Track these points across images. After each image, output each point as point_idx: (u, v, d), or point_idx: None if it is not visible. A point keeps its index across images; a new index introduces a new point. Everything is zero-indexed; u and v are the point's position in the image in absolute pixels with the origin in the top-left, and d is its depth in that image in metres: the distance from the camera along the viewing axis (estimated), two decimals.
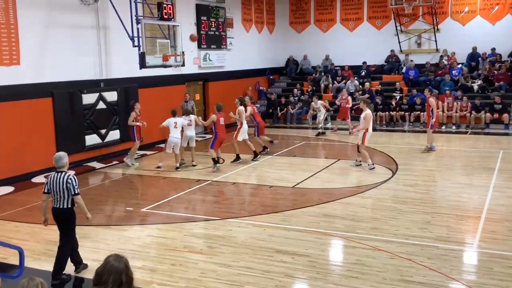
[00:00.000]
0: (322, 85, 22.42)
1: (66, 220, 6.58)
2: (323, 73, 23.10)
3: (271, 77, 24.12)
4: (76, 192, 6.48)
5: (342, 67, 22.92)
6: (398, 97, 20.07)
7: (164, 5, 14.23)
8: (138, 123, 13.48)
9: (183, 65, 15.50)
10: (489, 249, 7.29)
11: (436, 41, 21.91)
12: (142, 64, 13.66)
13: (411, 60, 21.91)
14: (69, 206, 6.53)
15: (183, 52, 15.07)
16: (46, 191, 6.58)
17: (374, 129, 18.95)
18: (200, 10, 18.85)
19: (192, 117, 13.69)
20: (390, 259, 7.01)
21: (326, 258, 7.36)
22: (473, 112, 18.43)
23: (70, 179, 6.45)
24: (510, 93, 19.22)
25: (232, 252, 7.43)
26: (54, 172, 6.59)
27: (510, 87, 19.48)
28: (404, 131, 18.72)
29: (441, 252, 7.20)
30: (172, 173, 12.71)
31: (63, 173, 6.50)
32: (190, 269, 6.88)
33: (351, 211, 9.24)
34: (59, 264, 6.56)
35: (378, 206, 9.52)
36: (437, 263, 6.80)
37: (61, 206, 6.51)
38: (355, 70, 22.62)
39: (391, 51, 22.54)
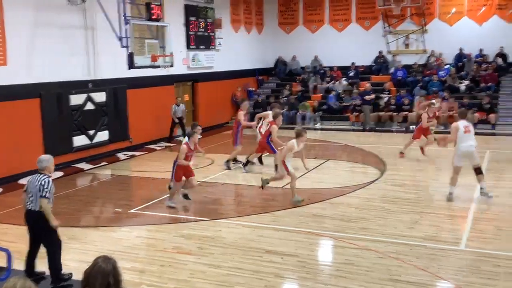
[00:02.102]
0: (311, 86, 22.49)
1: (36, 223, 6.39)
2: (312, 74, 23.17)
3: (260, 77, 24.14)
4: (44, 194, 6.25)
5: (331, 68, 23.00)
6: (386, 98, 20.19)
7: (153, 6, 14.19)
8: (186, 162, 9.55)
9: (172, 65, 15.46)
10: (477, 248, 7.35)
11: (423, 41, 22.07)
12: (131, 65, 13.62)
13: (399, 61, 22.06)
14: (38, 209, 6.33)
15: (171, 53, 15.03)
16: (25, 189, 6.56)
17: (364, 130, 19.13)
18: (189, 10, 18.80)
19: (196, 138, 9.91)
20: (379, 259, 7.04)
21: (315, 258, 7.38)
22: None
23: (44, 180, 6.31)
24: (497, 93, 19.40)
25: (222, 253, 7.42)
26: (37, 173, 6.54)
27: (497, 88, 19.67)
28: (392, 131, 18.81)
29: (430, 252, 7.25)
30: (161, 174, 12.65)
31: (41, 175, 6.41)
32: (179, 270, 6.86)
33: (340, 211, 9.27)
34: (53, 266, 6.49)
35: (367, 206, 9.56)
36: (425, 262, 6.85)
37: (32, 208, 6.37)
38: (343, 70, 22.71)
39: (380, 51, 22.65)
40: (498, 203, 9.50)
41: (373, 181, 11.39)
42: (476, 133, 15.74)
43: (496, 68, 20.23)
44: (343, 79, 22.13)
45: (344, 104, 20.60)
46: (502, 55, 20.63)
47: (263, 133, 12.55)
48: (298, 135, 9.83)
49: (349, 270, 6.70)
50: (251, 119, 15.57)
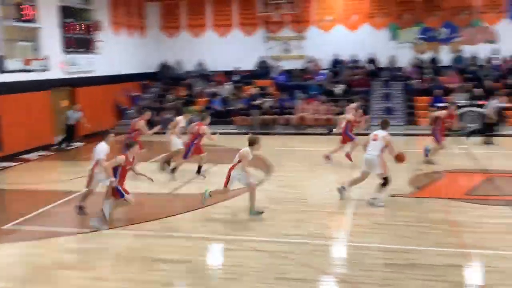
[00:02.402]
0: (196, 91, 22.47)
1: None
2: (196, 78, 23.16)
3: (144, 82, 23.61)
4: None
5: (216, 72, 23.19)
6: (268, 102, 20.75)
7: (24, 6, 13.29)
8: (109, 171, 8.49)
9: (47, 69, 14.56)
10: (358, 242, 7.80)
11: (302, 47, 23.06)
12: (1, 69, 12.62)
13: (281, 66, 22.87)
14: None
15: (46, 56, 14.18)
16: None
17: (246, 133, 19.46)
18: (65, 12, 17.85)
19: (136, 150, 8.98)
20: (267, 259, 7.19)
21: (206, 263, 7.36)
22: (337, 114, 19.66)
23: None
24: (368, 96, 20.80)
25: (109, 265, 7.12)
26: None
27: (369, 91, 21.08)
28: (275, 134, 19.36)
29: (315, 248, 7.55)
30: (37, 186, 11.83)
31: None
32: (61, 287, 6.45)
33: (229, 214, 9.35)
34: None
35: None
36: (311, 259, 7.12)
37: None
38: (228, 75, 23.01)
39: (262, 56, 23.26)
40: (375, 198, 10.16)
41: (259, 183, 11.63)
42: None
43: (367, 73, 21.74)
44: (228, 83, 22.43)
45: (230, 108, 20.86)
46: (372, 60, 22.22)
47: (181, 138, 12.42)
48: (253, 143, 9.07)
49: (239, 272, 6.76)
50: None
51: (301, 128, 19.78)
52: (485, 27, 21.32)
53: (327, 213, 9.33)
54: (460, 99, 18.99)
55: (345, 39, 22.39)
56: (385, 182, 9.62)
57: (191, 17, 24.13)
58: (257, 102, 20.57)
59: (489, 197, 10.10)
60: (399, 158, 9.74)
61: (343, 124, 13.52)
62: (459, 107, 18.04)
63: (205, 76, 23.30)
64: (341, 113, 19.35)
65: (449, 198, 10.00)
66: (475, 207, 9.41)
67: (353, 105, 14.79)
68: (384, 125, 9.98)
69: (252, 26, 23.52)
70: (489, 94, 18.22)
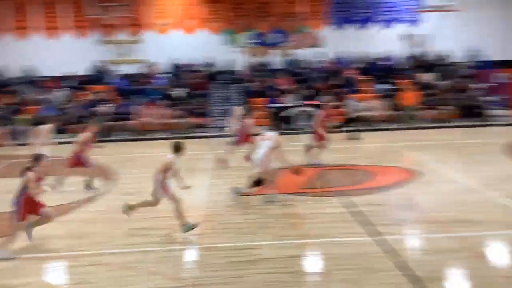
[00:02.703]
0: (25, 98, 20.77)
1: None
2: (24, 85, 21.41)
3: None
4: None
5: (47, 78, 21.70)
6: (108, 107, 20.06)
7: None
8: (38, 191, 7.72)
9: None
10: (207, 244, 7.92)
11: (140, 51, 22.72)
12: None
13: (119, 70, 22.24)
14: None
15: None
16: None
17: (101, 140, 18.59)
18: None
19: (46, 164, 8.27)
20: (113, 272, 6.96)
21: (45, 285, 6.87)
22: (178, 118, 19.78)
23: None
24: (207, 99, 21.26)
25: None
26: None
27: (208, 94, 21.54)
28: (116, 140, 18.75)
29: (164, 255, 7.50)
30: None
31: None
32: None
33: (71, 228, 8.83)
34: None
35: (99, 219, 9.34)
36: (160, 266, 7.06)
37: None
38: (60, 80, 21.68)
39: (98, 61, 22.39)
40: (220, 199, 10.42)
41: (104, 193, 11.20)
42: (194, 137, 16.91)
43: (206, 76, 22.20)
44: (60, 89, 21.15)
45: (64, 115, 19.69)
46: (210, 63, 22.73)
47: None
48: (178, 149, 8.28)
49: None
50: None
51: (142, 133, 19.46)
52: (310, 33, 23.19)
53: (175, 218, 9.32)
54: (292, 99, 20.37)
55: (183, 42, 22.59)
56: (260, 182, 10.02)
57: (17, 19, 22.26)
58: (95, 108, 19.75)
59: (320, 189, 11.04)
60: (297, 172, 10.50)
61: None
62: (291, 107, 19.38)
63: (34, 82, 21.67)
64: (182, 116, 19.73)
65: (287, 193, 10.67)
66: (310, 200, 10.21)
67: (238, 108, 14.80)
68: (274, 127, 10.86)
69: (84, 28, 22.51)
70: (317, 94, 19.87)
